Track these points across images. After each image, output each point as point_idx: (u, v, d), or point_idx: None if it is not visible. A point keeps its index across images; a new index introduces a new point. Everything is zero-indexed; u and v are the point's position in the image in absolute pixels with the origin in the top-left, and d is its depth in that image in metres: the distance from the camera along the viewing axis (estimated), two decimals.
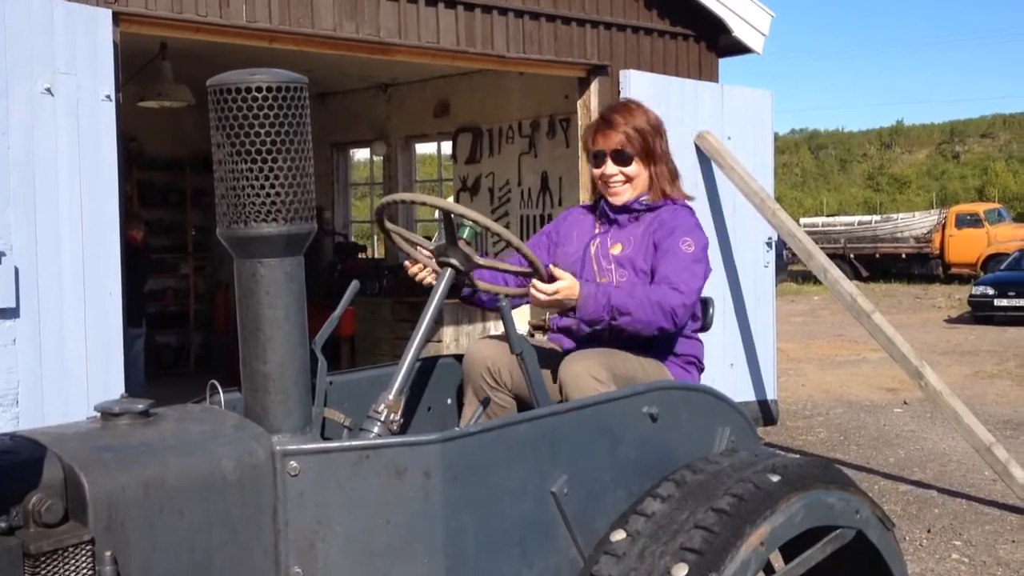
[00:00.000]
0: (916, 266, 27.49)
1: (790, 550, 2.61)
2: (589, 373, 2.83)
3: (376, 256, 13.49)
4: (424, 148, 12.12)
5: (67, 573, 1.78)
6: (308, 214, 2.15)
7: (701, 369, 3.18)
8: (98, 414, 2.08)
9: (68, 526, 1.81)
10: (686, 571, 2.18)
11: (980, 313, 18.46)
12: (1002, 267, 20.84)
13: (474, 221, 2.77)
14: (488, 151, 9.89)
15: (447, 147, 10.79)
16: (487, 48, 6.84)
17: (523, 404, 3.04)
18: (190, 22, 5.52)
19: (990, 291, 18.55)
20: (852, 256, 27.54)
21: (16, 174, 4.66)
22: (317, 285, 11.06)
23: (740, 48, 8.34)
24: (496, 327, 9.05)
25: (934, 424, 9.24)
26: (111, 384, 4.86)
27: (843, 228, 29.64)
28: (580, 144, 3.41)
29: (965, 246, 26.27)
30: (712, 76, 8.26)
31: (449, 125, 10.27)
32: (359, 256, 11.97)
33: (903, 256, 27.81)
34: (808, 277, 27.73)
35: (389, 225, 2.95)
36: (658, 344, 3.07)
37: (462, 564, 2.21)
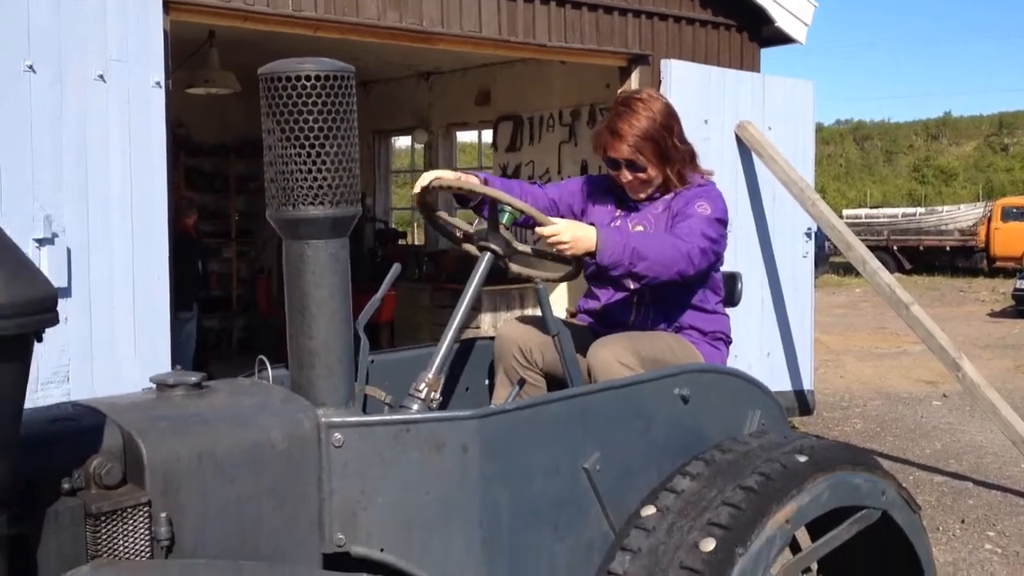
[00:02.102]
0: (960, 259, 27.19)
1: (817, 530, 2.68)
2: (616, 359, 2.89)
3: (416, 243, 13.63)
4: (465, 136, 12.20)
5: (125, 533, 1.89)
6: (353, 198, 2.24)
7: (729, 342, 3.21)
8: (153, 385, 2.19)
9: (126, 489, 1.92)
10: (713, 545, 2.25)
11: None
12: None
13: (492, 198, 2.83)
14: (529, 139, 9.96)
15: (488, 135, 10.87)
16: (528, 37, 6.90)
17: (553, 383, 3.11)
18: (238, 11, 5.64)
19: None
20: (895, 248, 27.29)
21: (69, 158, 4.80)
22: (358, 271, 11.18)
23: (783, 38, 8.34)
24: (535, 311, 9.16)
25: (972, 417, 9.21)
26: (159, 364, 5.00)
27: (887, 220, 29.36)
28: (592, 146, 3.37)
29: (1011, 239, 25.92)
30: (754, 66, 8.27)
31: (490, 113, 10.34)
32: (399, 242, 12.09)
33: (947, 249, 27.50)
34: (849, 269, 27.54)
35: (442, 214, 3.04)
36: (685, 322, 3.13)
37: (497, 536, 2.29)
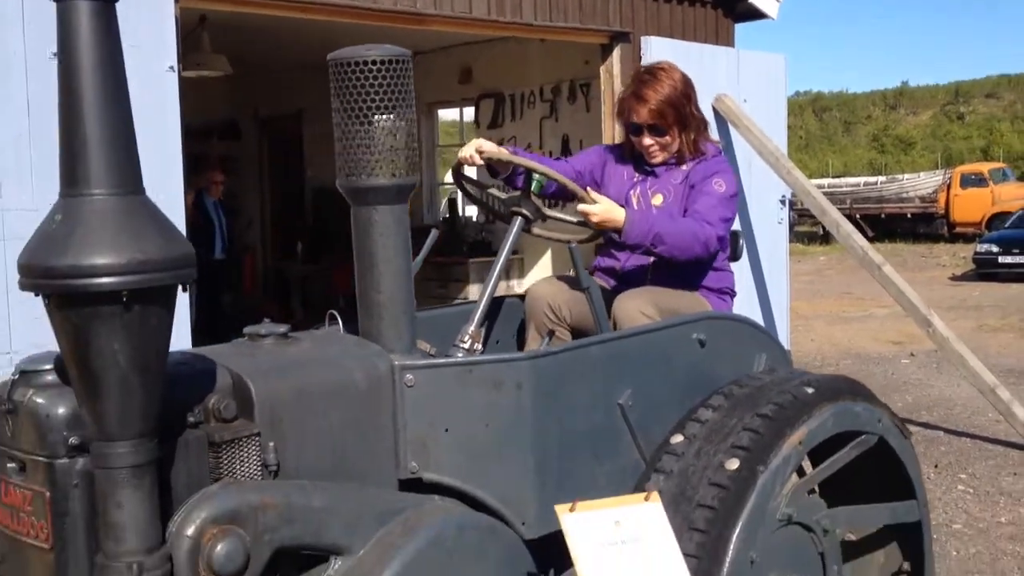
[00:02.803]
0: (921, 225, 27.80)
1: (815, 460, 3.02)
2: (639, 310, 3.21)
3: None
4: (447, 114, 12.44)
5: (240, 459, 2.19)
6: (413, 168, 2.53)
7: (734, 295, 3.55)
8: (246, 336, 2.48)
9: (240, 422, 2.21)
10: (737, 464, 2.58)
11: (984, 270, 18.83)
12: (1006, 225, 21.16)
13: (531, 169, 3.15)
14: (510, 116, 10.24)
15: (469, 112, 11.13)
16: (516, 17, 7.18)
17: (578, 336, 3.42)
18: None
19: (994, 248, 18.92)
20: (858, 216, 27.83)
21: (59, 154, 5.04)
22: (350, 243, 11.44)
23: (756, 14, 8.67)
24: (519, 281, 9.46)
25: (940, 373, 9.66)
26: (180, 338, 5.24)
27: (849, 189, 29.94)
28: (616, 112, 3.68)
29: (970, 205, 26.57)
30: (729, 41, 8.60)
31: (472, 91, 10.60)
32: None
33: (908, 216, 28.12)
34: (813, 238, 28.13)
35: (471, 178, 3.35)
36: (695, 279, 3.45)
37: (546, 463, 2.60)
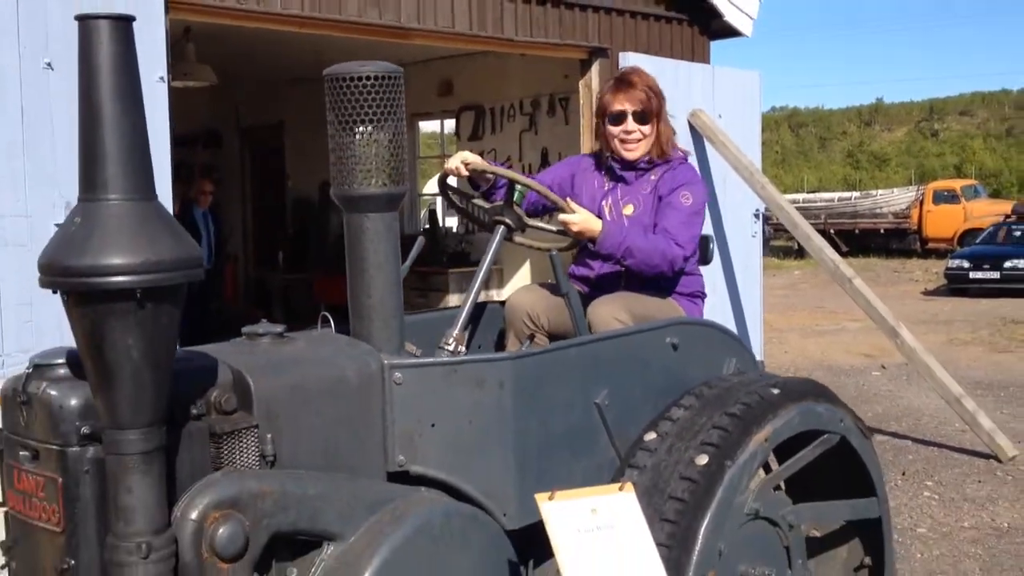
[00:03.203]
0: (895, 241, 28.16)
1: (785, 457, 3.18)
2: (613, 316, 3.37)
3: None
4: (427, 126, 12.60)
5: (240, 449, 2.32)
6: (403, 177, 2.67)
7: (704, 297, 3.72)
8: (244, 336, 2.62)
9: (239, 415, 2.35)
10: (707, 460, 2.74)
11: (955, 285, 19.14)
12: (977, 241, 21.51)
13: (516, 181, 3.31)
14: (490, 128, 10.40)
15: (450, 125, 11.29)
16: (497, 32, 7.34)
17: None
18: (232, 9, 6.00)
19: (965, 264, 19.23)
20: (832, 231, 28.17)
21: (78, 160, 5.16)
22: (326, 256, 11.57)
23: (731, 31, 8.88)
24: (498, 292, 9.61)
25: (910, 384, 9.87)
26: None
27: (823, 204, 30.28)
28: (595, 111, 3.86)
29: (942, 221, 26.96)
30: (704, 58, 8.80)
31: (453, 103, 10.76)
32: None
33: (882, 231, 28.48)
34: (788, 252, 28.43)
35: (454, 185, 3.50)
36: (667, 285, 3.61)
37: (527, 458, 2.75)
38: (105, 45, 1.97)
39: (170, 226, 2.04)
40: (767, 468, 3.21)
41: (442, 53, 9.92)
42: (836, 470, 3.32)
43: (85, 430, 2.11)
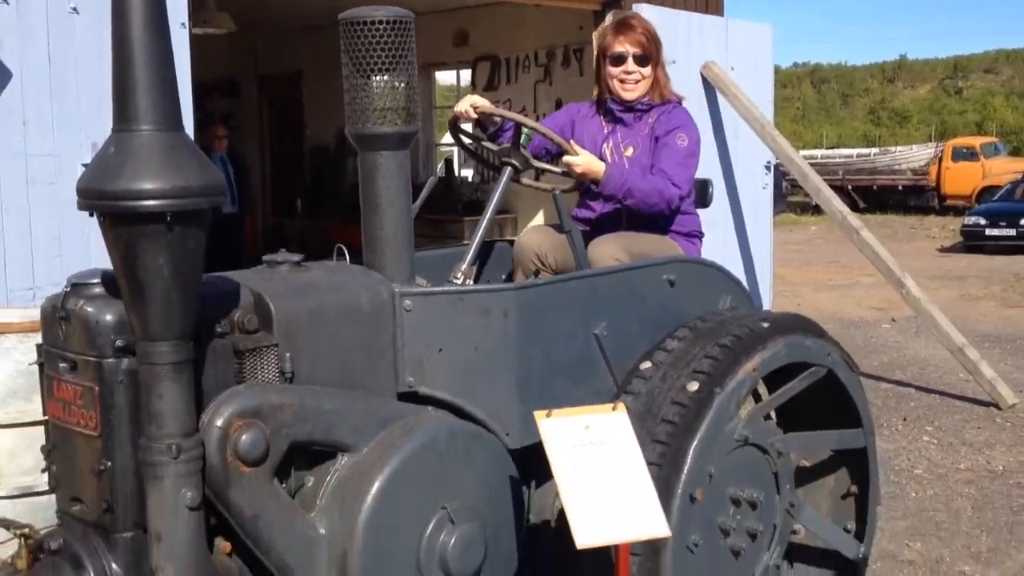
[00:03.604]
0: (912, 198, 28.07)
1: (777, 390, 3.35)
2: (611, 255, 3.53)
3: None
4: (444, 77, 12.70)
5: (261, 365, 2.51)
6: (414, 118, 2.84)
7: (702, 236, 3.88)
8: (264, 264, 2.80)
9: (260, 334, 2.53)
10: (697, 386, 2.92)
11: (972, 242, 19.16)
12: (994, 198, 21.47)
13: (522, 124, 3.47)
14: (506, 79, 10.51)
15: (466, 75, 11.39)
16: None
17: None
18: None
19: (982, 221, 19.24)
20: (850, 188, 28.13)
21: (108, 92, 5.32)
22: (343, 203, 11.74)
23: None
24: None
25: (918, 337, 10.01)
26: None
27: (842, 160, 30.18)
28: (597, 52, 4.01)
29: (961, 178, 26.84)
30: (718, 10, 8.87)
31: (468, 54, 10.86)
32: None
33: (900, 188, 28.38)
34: (805, 209, 28.41)
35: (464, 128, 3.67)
36: (665, 224, 3.77)
37: (529, 383, 2.93)
38: None
39: (196, 155, 2.21)
40: (758, 399, 3.38)
41: (458, 3, 10.02)
42: (825, 404, 3.49)
43: (119, 343, 2.30)
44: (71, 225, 5.15)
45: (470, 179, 11.59)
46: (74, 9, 5.15)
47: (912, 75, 62.69)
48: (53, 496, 3.19)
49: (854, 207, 26.77)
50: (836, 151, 33.31)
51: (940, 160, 27.50)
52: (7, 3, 4.85)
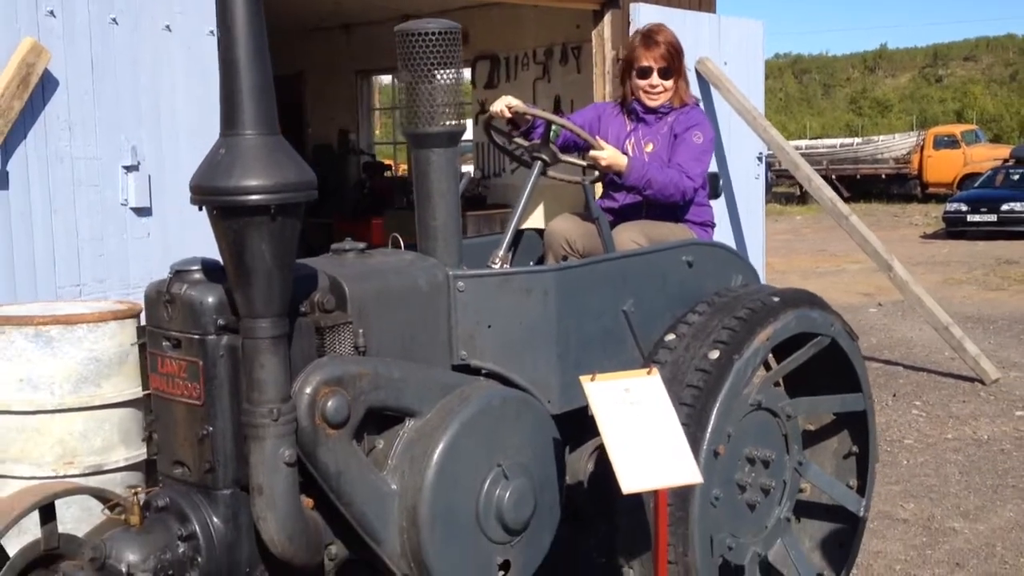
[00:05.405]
0: (895, 186, 28.56)
1: (784, 359, 3.70)
2: (632, 240, 3.89)
3: (399, 174, 14.50)
4: None
5: (339, 341, 2.84)
6: (462, 117, 3.18)
7: (714, 226, 4.24)
8: (332, 252, 3.13)
9: (337, 313, 2.86)
10: (718, 354, 3.27)
11: (954, 228, 19.60)
12: (975, 185, 21.92)
13: (550, 121, 3.82)
14: (505, 77, 10.85)
15: (466, 74, 11.73)
16: None
17: None
18: None
19: (963, 207, 19.69)
20: (834, 177, 28.52)
21: (145, 99, 5.63)
22: (346, 201, 12.06)
23: None
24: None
25: (904, 320, 10.40)
26: None
27: (825, 150, 30.64)
28: (622, 67, 4.35)
29: (942, 166, 27.33)
30: (710, 7, 9.23)
31: (468, 53, 11.16)
32: (384, 174, 12.96)
33: (883, 177, 28.87)
34: (791, 199, 28.87)
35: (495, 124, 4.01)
36: (682, 214, 4.12)
37: (567, 354, 3.28)
38: (240, 9, 2.45)
39: (292, 156, 2.55)
40: (768, 367, 3.74)
41: (458, 3, 10.34)
42: (827, 372, 3.85)
43: (220, 322, 2.63)
44: (113, 225, 5.47)
45: (472, 174, 11.92)
46: (114, 20, 5.46)
47: (893, 64, 63.27)
48: (121, 474, 3.57)
49: (838, 196, 27.21)
50: (820, 141, 33.82)
51: (922, 148, 27.99)
52: (54, 16, 5.16)
